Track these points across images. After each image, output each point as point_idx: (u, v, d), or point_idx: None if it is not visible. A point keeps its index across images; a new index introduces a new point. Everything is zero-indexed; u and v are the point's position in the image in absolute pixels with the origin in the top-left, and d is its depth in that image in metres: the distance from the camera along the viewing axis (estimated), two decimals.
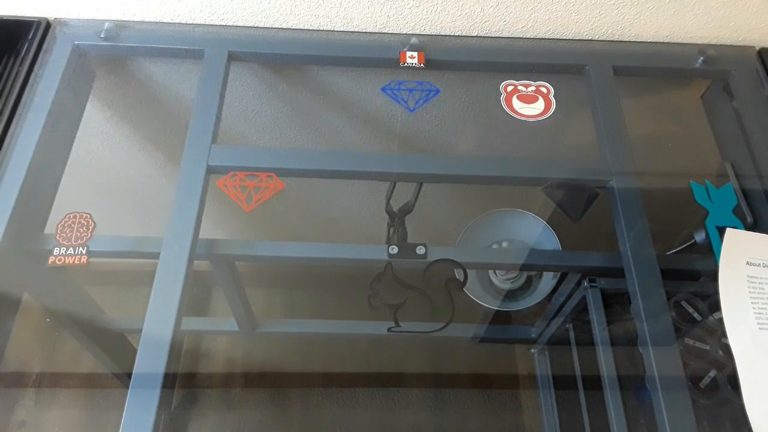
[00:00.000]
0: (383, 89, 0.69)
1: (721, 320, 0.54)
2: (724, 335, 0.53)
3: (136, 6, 0.68)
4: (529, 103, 0.67)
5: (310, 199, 0.91)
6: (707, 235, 0.60)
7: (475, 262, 0.69)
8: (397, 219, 0.65)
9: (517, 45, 0.71)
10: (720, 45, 0.72)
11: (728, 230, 0.59)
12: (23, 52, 0.65)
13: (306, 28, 0.70)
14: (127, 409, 0.48)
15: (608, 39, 0.72)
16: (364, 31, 0.71)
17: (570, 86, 0.70)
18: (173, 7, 0.68)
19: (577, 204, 0.66)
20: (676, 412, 0.51)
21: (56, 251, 0.56)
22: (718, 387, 0.58)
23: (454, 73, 0.74)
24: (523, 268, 0.73)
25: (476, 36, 0.71)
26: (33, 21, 0.67)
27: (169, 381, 0.50)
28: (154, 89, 0.77)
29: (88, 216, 0.59)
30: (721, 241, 0.58)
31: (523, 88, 0.68)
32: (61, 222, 0.58)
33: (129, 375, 0.50)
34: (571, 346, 0.75)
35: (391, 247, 0.62)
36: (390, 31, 0.71)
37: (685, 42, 0.72)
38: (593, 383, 0.68)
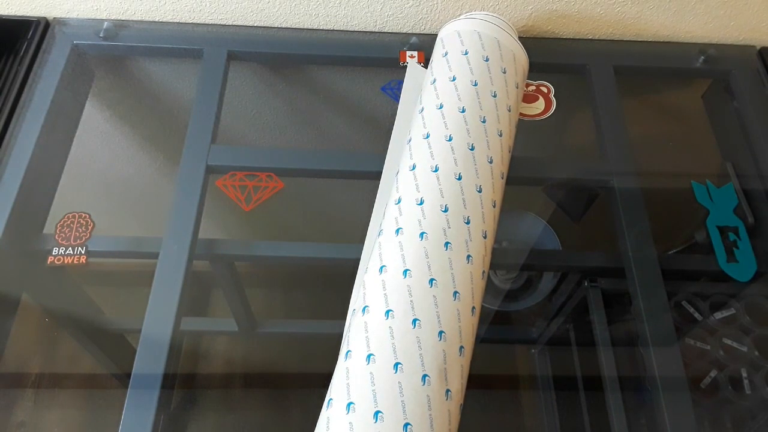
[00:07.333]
0: (383, 89, 0.69)
1: (722, 320, 0.54)
2: (726, 335, 0.53)
3: (135, 5, 0.68)
4: (530, 102, 0.67)
5: (310, 199, 0.91)
6: (708, 234, 0.59)
7: None
8: None
9: None
10: (721, 44, 0.72)
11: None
12: (22, 52, 0.65)
13: (306, 27, 0.70)
14: (126, 409, 0.48)
15: (609, 38, 0.72)
16: (364, 30, 0.70)
17: (571, 86, 0.70)
18: (172, 6, 0.68)
19: (577, 204, 0.66)
20: (677, 412, 0.51)
21: (55, 251, 0.56)
22: (718, 387, 0.57)
23: None
24: (523, 268, 0.73)
25: None
26: (32, 20, 0.67)
27: (169, 381, 0.50)
28: (153, 89, 0.76)
29: (87, 216, 0.58)
30: (723, 241, 0.58)
31: (524, 88, 0.68)
32: (60, 222, 0.58)
33: (128, 375, 0.50)
34: (572, 347, 0.75)
35: None
36: (390, 31, 0.71)
37: (685, 41, 0.72)
38: (594, 383, 0.68)
